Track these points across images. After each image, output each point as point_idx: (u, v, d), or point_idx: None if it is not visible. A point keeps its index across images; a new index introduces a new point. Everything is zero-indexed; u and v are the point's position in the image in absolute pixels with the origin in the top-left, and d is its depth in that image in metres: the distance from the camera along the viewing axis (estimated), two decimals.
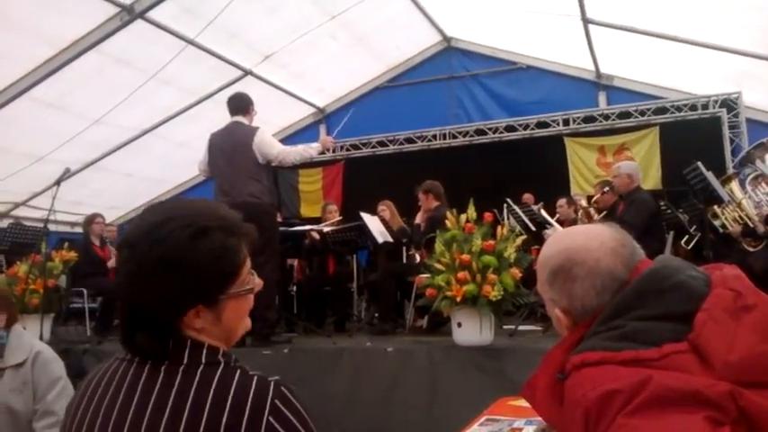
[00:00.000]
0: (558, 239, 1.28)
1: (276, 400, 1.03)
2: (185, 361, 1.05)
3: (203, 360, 1.06)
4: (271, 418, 1.00)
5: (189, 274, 1.05)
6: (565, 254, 1.21)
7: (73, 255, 6.15)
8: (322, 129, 10.79)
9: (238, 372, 1.05)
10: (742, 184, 5.90)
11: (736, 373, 0.93)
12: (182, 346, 1.07)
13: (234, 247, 1.11)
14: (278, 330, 5.26)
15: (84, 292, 6.46)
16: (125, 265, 1.08)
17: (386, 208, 6.53)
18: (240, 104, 5.12)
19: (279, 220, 6.63)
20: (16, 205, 9.41)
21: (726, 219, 5.74)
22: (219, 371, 1.05)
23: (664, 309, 1.06)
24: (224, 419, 0.98)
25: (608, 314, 1.11)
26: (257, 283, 1.18)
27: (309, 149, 5.29)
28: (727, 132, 8.19)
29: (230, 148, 4.96)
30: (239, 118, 5.08)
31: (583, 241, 1.22)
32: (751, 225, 5.46)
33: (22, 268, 5.78)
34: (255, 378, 1.05)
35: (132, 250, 1.06)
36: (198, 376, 1.03)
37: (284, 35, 8.08)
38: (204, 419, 0.98)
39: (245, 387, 1.03)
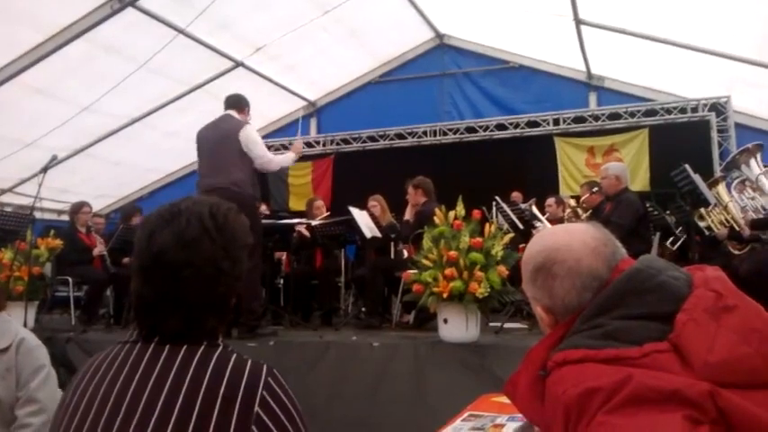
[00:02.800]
0: (541, 238, 1.29)
1: (269, 378, 1.11)
2: (191, 341, 1.14)
3: (204, 341, 1.15)
4: (264, 393, 1.08)
5: (243, 249, 1.22)
6: (546, 252, 1.23)
7: (58, 242, 6.11)
8: (312, 123, 10.77)
9: (235, 354, 1.14)
10: (728, 188, 5.93)
11: (715, 374, 0.94)
12: (206, 335, 1.16)
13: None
14: (264, 323, 5.27)
15: (70, 280, 6.42)
16: (193, 258, 1.14)
17: (377, 203, 6.53)
18: (236, 102, 5.22)
19: (266, 212, 6.65)
20: (3, 191, 9.33)
21: (712, 221, 5.78)
22: (218, 351, 1.14)
23: (646, 308, 1.06)
24: (221, 391, 1.06)
25: (590, 313, 1.11)
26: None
27: (287, 159, 5.58)
28: (715, 136, 8.25)
29: (217, 138, 5.01)
30: (231, 112, 5.14)
31: (564, 240, 1.23)
32: (737, 228, 5.49)
33: (7, 255, 5.73)
34: (249, 360, 1.14)
35: (198, 243, 1.15)
36: (199, 354, 1.12)
37: (277, 28, 8.04)
38: (202, 390, 1.06)
39: (240, 366, 1.11)
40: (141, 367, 1.12)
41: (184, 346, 1.13)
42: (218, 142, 4.98)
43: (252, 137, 5.01)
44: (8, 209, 7.52)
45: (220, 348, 1.15)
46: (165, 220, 1.18)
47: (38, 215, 6.12)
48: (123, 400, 1.09)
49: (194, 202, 1.21)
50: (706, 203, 5.29)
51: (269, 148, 6.10)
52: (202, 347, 1.13)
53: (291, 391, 1.14)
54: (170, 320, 1.14)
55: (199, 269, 1.14)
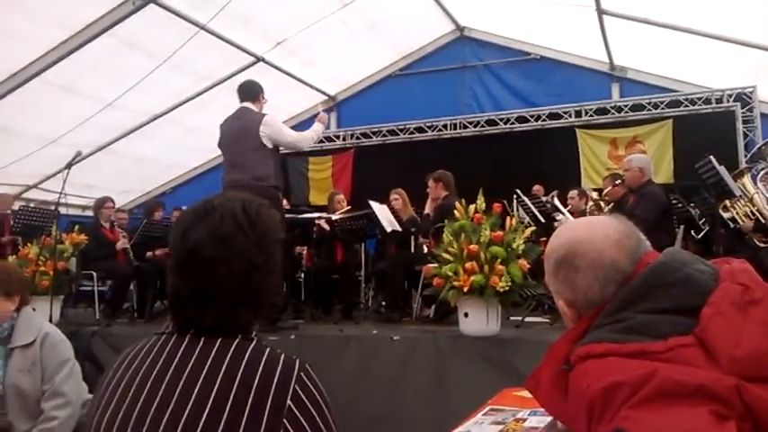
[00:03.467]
0: (564, 231, 1.28)
1: (302, 373, 1.14)
2: (223, 335, 1.17)
3: (239, 335, 1.18)
4: (297, 387, 1.11)
5: (276, 243, 1.24)
6: (568, 245, 1.21)
7: (83, 238, 6.19)
8: (333, 117, 10.77)
9: (268, 348, 1.17)
10: (754, 180, 5.84)
11: (741, 368, 0.93)
12: (241, 329, 1.19)
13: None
14: (285, 316, 5.30)
15: (94, 275, 6.50)
16: (227, 254, 1.17)
17: (398, 197, 6.53)
18: (249, 91, 5.18)
19: (287, 207, 6.68)
20: (28, 188, 9.47)
21: (737, 213, 5.69)
22: (252, 345, 1.16)
23: (671, 302, 1.05)
24: (255, 383, 1.09)
25: (614, 306, 1.10)
26: None
27: (317, 130, 5.47)
28: (740, 127, 8.12)
29: (236, 133, 5.02)
30: (247, 104, 5.14)
31: (587, 232, 1.21)
32: (763, 221, 5.40)
33: (32, 250, 5.82)
34: (283, 354, 1.16)
35: (231, 239, 1.17)
36: (233, 347, 1.14)
37: (296, 22, 8.05)
38: (237, 381, 1.09)
39: (274, 359, 1.14)
40: (177, 358, 1.14)
41: (219, 339, 1.15)
42: (237, 138, 5.00)
43: (276, 127, 5.03)
44: (32, 204, 7.60)
45: (254, 342, 1.17)
46: (199, 217, 1.20)
47: (62, 211, 6.20)
48: (158, 389, 1.11)
49: (227, 199, 1.24)
50: (731, 195, 5.20)
51: None
52: (237, 340, 1.16)
53: (323, 386, 1.16)
54: (205, 315, 1.16)
55: (233, 264, 1.16)
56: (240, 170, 4.91)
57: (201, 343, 1.15)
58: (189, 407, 1.07)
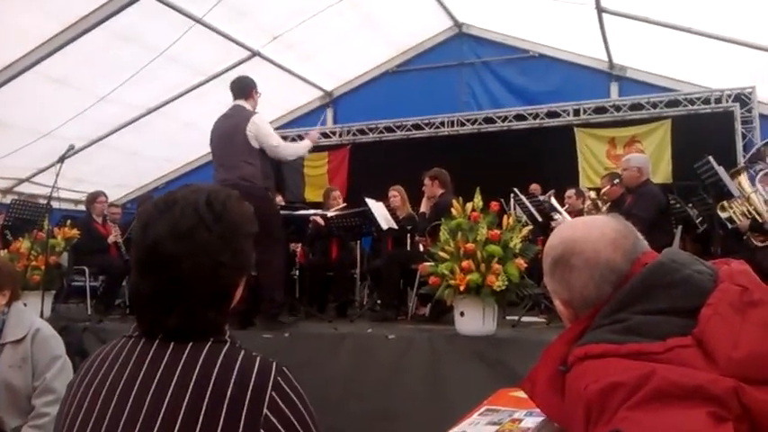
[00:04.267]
0: (561, 230, 1.28)
1: (279, 378, 1.07)
2: (196, 337, 1.10)
3: (211, 338, 1.11)
4: (273, 394, 1.05)
5: (245, 238, 1.17)
6: (564, 244, 1.21)
7: (75, 232, 6.14)
8: (329, 113, 10.75)
9: (243, 351, 1.11)
10: (752, 180, 5.84)
11: (740, 370, 0.92)
12: (209, 330, 1.12)
13: (253, 213, 1.22)
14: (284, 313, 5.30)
15: (86, 270, 6.47)
16: (189, 249, 1.09)
17: (397, 194, 6.51)
18: (242, 88, 5.14)
19: (282, 203, 6.65)
20: (20, 181, 9.43)
21: (734, 213, 5.69)
22: (225, 348, 1.10)
23: (669, 303, 1.05)
24: (228, 391, 1.03)
25: (612, 307, 1.10)
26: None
27: (301, 147, 5.47)
28: (739, 127, 8.11)
29: (227, 132, 4.99)
30: (241, 102, 5.10)
31: (583, 231, 1.21)
32: (759, 220, 5.40)
33: (24, 244, 5.78)
34: (259, 357, 1.10)
35: (193, 234, 1.09)
36: (205, 351, 1.08)
37: (293, 16, 8.02)
38: (209, 390, 1.03)
39: (249, 364, 1.07)
40: (145, 365, 1.08)
41: (190, 344, 1.09)
42: (227, 136, 4.97)
43: (261, 129, 4.95)
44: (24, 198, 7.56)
45: (227, 345, 1.11)
46: (160, 211, 1.13)
47: (55, 205, 6.18)
48: (127, 401, 1.06)
49: (192, 191, 1.16)
50: (729, 196, 5.21)
51: (285, 138, 6.07)
52: (208, 344, 1.09)
53: (302, 389, 1.10)
54: (168, 316, 1.09)
55: (195, 261, 1.08)
56: (227, 170, 4.88)
57: (171, 348, 1.09)
58: (159, 420, 1.01)
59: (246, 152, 4.86)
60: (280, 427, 1.03)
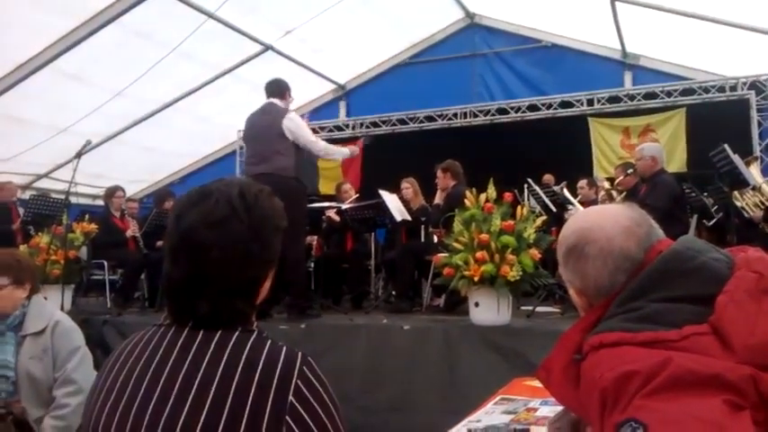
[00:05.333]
0: (575, 219, 1.28)
1: (304, 367, 1.10)
2: (224, 326, 1.13)
3: (239, 327, 1.14)
4: (299, 382, 1.07)
5: (275, 231, 1.20)
6: (578, 232, 1.21)
7: (93, 227, 6.21)
8: (342, 106, 10.74)
9: (269, 341, 1.13)
10: (767, 170, 5.78)
11: (756, 357, 0.92)
12: (237, 319, 1.15)
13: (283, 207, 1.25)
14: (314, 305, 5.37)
15: (105, 263, 6.54)
16: (220, 239, 1.12)
17: (409, 185, 6.51)
18: (276, 88, 5.31)
19: None
20: (38, 177, 9.53)
21: (746, 203, 5.65)
22: (253, 337, 1.13)
23: (685, 291, 1.04)
24: (255, 378, 1.05)
25: (627, 295, 1.09)
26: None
27: (340, 151, 5.66)
28: (755, 115, 8.01)
29: (261, 125, 5.13)
30: (274, 100, 5.25)
31: (596, 220, 1.21)
32: None
33: (43, 239, 5.86)
34: (285, 347, 1.12)
35: (225, 224, 1.13)
36: (233, 340, 1.11)
37: (306, 10, 8.03)
38: (237, 377, 1.05)
39: (275, 353, 1.10)
40: (175, 351, 1.11)
41: (219, 332, 1.12)
42: (262, 131, 5.10)
43: (297, 123, 5.13)
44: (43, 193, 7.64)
45: (255, 334, 1.14)
46: (194, 201, 1.17)
47: (73, 200, 6.23)
48: (157, 384, 1.08)
49: (225, 184, 1.20)
50: (745, 184, 5.15)
51: None
52: (237, 333, 1.12)
53: (326, 379, 1.13)
54: (197, 303, 1.12)
55: (226, 250, 1.12)
56: (262, 162, 5.01)
57: (200, 336, 1.12)
58: (189, 402, 1.04)
59: (281, 145, 5.00)
60: (305, 414, 1.05)
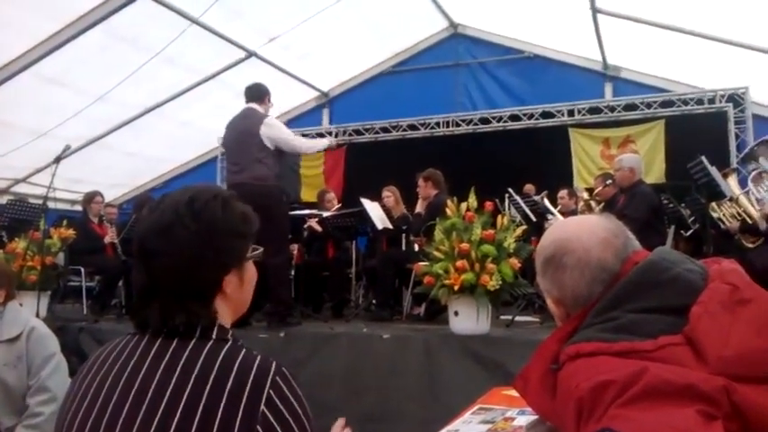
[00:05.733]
0: (553, 230, 1.29)
1: (277, 377, 1.09)
2: (196, 335, 1.13)
3: (213, 336, 1.14)
4: (271, 392, 1.06)
5: (228, 237, 1.18)
6: (556, 243, 1.22)
7: (71, 233, 6.14)
8: (325, 113, 10.74)
9: (244, 350, 1.12)
10: (744, 181, 5.86)
11: (730, 368, 0.93)
12: (197, 325, 1.14)
13: (250, 212, 1.26)
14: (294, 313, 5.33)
15: (82, 270, 6.46)
16: (166, 245, 1.14)
17: (391, 194, 6.52)
18: (256, 93, 5.27)
19: None
20: (17, 181, 9.40)
21: (723, 215, 5.72)
22: (227, 347, 1.12)
23: (660, 301, 1.05)
24: (227, 387, 1.05)
25: (604, 305, 1.10)
26: (261, 250, 1.30)
27: (318, 144, 5.62)
28: (732, 128, 8.12)
29: (240, 132, 5.09)
30: (253, 105, 5.21)
31: (574, 231, 1.22)
32: (749, 221, 5.42)
33: (20, 245, 5.77)
34: (259, 356, 1.12)
35: (170, 231, 1.15)
36: (206, 349, 1.11)
37: (290, 17, 8.02)
38: (209, 386, 1.05)
39: (249, 362, 1.09)
40: (148, 360, 1.11)
41: (192, 341, 1.12)
42: (240, 138, 5.06)
43: (273, 128, 5.08)
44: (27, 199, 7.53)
45: (229, 343, 1.14)
46: (151, 210, 1.21)
47: (51, 205, 6.15)
48: (129, 392, 1.08)
49: (181, 191, 1.22)
50: (722, 196, 5.22)
51: None
52: (210, 342, 1.12)
53: (300, 389, 1.12)
54: (150, 308, 1.14)
55: (172, 256, 1.13)
56: (242, 170, 4.97)
57: (174, 344, 1.12)
58: (161, 411, 1.04)
59: (260, 153, 4.95)
60: (276, 424, 1.05)
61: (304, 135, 9.74)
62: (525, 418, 1.68)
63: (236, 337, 1.17)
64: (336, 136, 10.08)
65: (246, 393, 1.05)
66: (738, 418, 0.90)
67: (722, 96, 8.24)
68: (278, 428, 1.05)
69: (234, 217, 1.21)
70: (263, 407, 1.05)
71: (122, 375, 1.11)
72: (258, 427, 1.03)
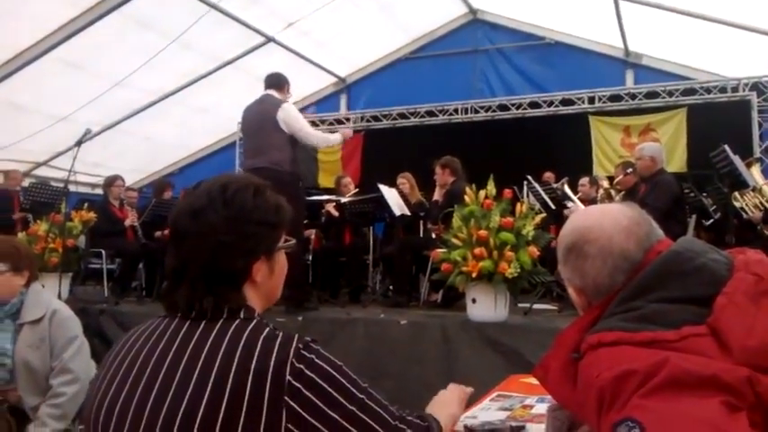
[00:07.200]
0: (575, 218, 1.28)
1: (299, 346, 1.10)
2: (224, 316, 1.16)
3: (241, 316, 1.17)
4: (294, 361, 1.08)
5: (258, 225, 1.20)
6: (579, 231, 1.21)
7: (92, 215, 6.21)
8: (343, 99, 10.73)
9: (268, 328, 1.14)
10: (767, 171, 5.78)
11: (754, 359, 0.92)
12: (225, 308, 1.17)
13: (284, 203, 1.28)
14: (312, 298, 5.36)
15: (103, 252, 6.53)
16: (196, 228, 1.17)
17: (406, 181, 6.50)
18: (275, 81, 5.29)
19: None
20: (38, 165, 9.51)
21: (746, 204, 5.65)
22: (252, 325, 1.14)
23: (684, 291, 1.04)
24: (252, 365, 1.06)
25: (627, 295, 1.10)
26: (293, 242, 1.33)
27: (331, 138, 5.54)
28: (756, 116, 7.99)
29: (257, 118, 5.12)
30: (271, 92, 5.22)
31: (596, 219, 1.21)
32: None
33: (41, 227, 5.85)
34: (281, 332, 1.14)
35: (202, 214, 1.17)
36: (232, 328, 1.13)
37: (308, 2, 8.00)
38: (234, 365, 1.06)
39: (272, 338, 1.11)
40: (177, 342, 1.13)
41: (220, 321, 1.14)
42: (258, 123, 5.09)
43: (291, 115, 5.08)
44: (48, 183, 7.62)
45: (254, 322, 1.15)
46: (188, 193, 1.26)
47: (72, 188, 6.22)
48: (158, 374, 1.10)
49: (217, 177, 1.26)
50: (744, 185, 5.15)
51: None
52: (236, 322, 1.14)
53: (329, 353, 1.14)
54: (179, 290, 1.17)
55: (200, 238, 1.16)
56: (258, 155, 5.00)
57: (202, 326, 1.14)
58: (189, 392, 1.06)
59: (276, 138, 4.97)
60: (308, 393, 1.06)
61: (322, 121, 9.80)
62: (544, 406, 1.68)
63: (262, 317, 1.20)
64: (354, 122, 10.09)
65: (271, 368, 1.06)
66: (762, 408, 0.89)
67: (746, 85, 8.10)
68: (311, 396, 1.06)
69: (265, 206, 1.23)
70: (288, 377, 1.06)
71: (152, 357, 1.13)
72: (286, 397, 1.05)
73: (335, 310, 5.39)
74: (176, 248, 1.19)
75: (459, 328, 4.28)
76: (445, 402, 1.53)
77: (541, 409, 1.69)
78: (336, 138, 5.60)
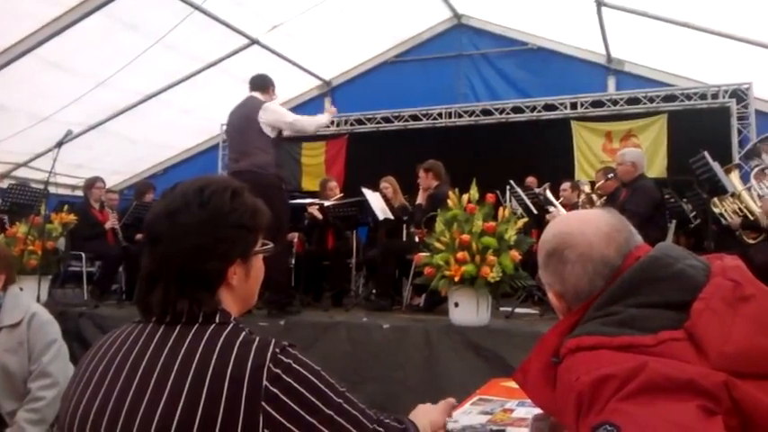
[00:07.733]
0: (556, 223, 1.29)
1: (276, 350, 1.09)
2: (200, 320, 1.14)
3: (216, 320, 1.15)
4: (271, 365, 1.06)
5: (234, 228, 1.19)
6: (559, 237, 1.22)
7: (72, 218, 6.14)
8: (327, 101, 10.72)
9: (244, 332, 1.13)
10: (746, 177, 5.85)
11: (731, 364, 0.93)
12: (200, 312, 1.15)
13: (261, 206, 1.26)
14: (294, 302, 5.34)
15: (83, 255, 6.47)
16: (172, 230, 1.16)
17: (389, 185, 6.51)
18: (260, 83, 5.28)
19: None
20: (17, 166, 9.39)
21: (725, 210, 5.71)
22: (228, 329, 1.13)
23: (662, 297, 1.05)
24: (228, 371, 1.05)
25: (605, 300, 1.10)
26: (270, 246, 1.32)
27: (322, 120, 5.51)
28: (735, 123, 8.10)
29: (239, 119, 5.10)
30: (255, 94, 5.20)
31: (577, 225, 1.22)
32: (751, 218, 5.42)
33: (21, 229, 5.77)
34: (258, 337, 1.13)
35: (177, 216, 1.16)
36: (208, 333, 1.11)
37: (293, 4, 7.99)
38: (210, 371, 1.05)
39: (248, 342, 1.10)
40: (152, 346, 1.12)
41: (195, 326, 1.13)
42: (241, 126, 5.07)
43: (273, 111, 5.06)
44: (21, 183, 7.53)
45: (230, 326, 1.14)
46: (164, 195, 1.23)
47: (52, 190, 6.15)
48: (134, 377, 1.09)
49: (194, 180, 1.24)
50: (723, 191, 5.21)
51: None
52: (212, 326, 1.13)
53: (306, 358, 1.13)
54: (153, 294, 1.15)
55: (175, 240, 1.15)
56: (242, 158, 4.98)
57: (177, 330, 1.13)
58: (164, 397, 1.05)
59: (259, 140, 4.95)
60: (283, 397, 1.05)
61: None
62: (524, 410, 1.69)
63: (238, 321, 1.18)
64: (338, 125, 10.08)
65: (248, 373, 1.05)
66: (738, 413, 0.90)
67: (725, 92, 8.22)
68: (288, 401, 1.05)
69: (242, 209, 1.22)
70: (265, 382, 1.05)
71: (127, 361, 1.12)
72: (262, 402, 1.04)
73: (318, 313, 5.37)
74: (151, 251, 1.18)
75: (441, 332, 4.28)
76: (427, 410, 1.53)
77: (522, 413, 1.70)
78: (326, 118, 5.58)
